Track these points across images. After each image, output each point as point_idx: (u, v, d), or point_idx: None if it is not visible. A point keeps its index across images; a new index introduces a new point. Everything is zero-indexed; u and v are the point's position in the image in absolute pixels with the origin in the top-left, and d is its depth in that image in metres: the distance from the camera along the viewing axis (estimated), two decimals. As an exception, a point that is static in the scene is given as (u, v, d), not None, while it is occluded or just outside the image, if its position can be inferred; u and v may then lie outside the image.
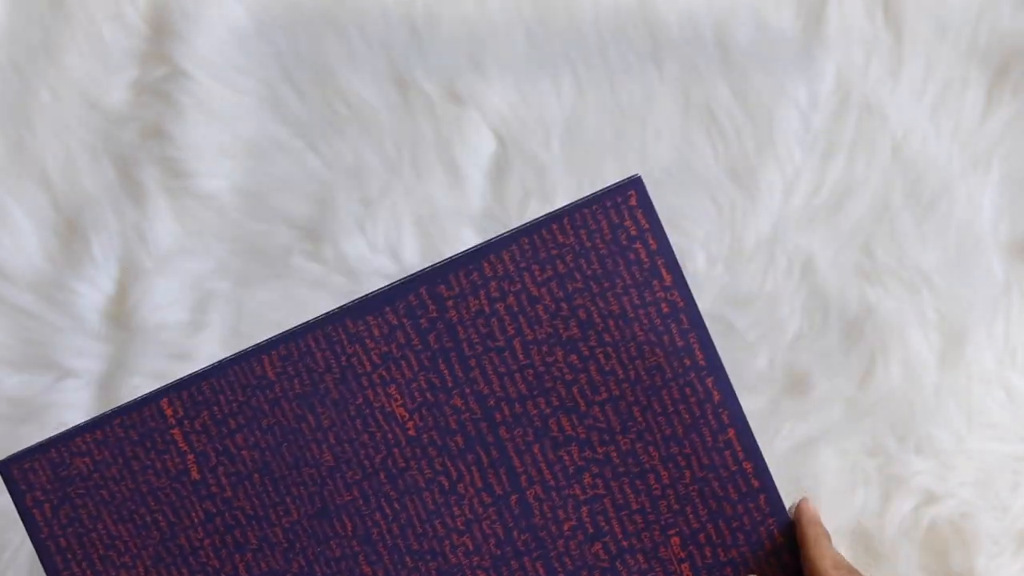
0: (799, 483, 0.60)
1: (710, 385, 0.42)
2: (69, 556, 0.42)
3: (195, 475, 0.42)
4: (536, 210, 0.62)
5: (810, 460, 0.60)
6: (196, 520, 0.42)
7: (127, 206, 0.63)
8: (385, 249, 0.62)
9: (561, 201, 0.62)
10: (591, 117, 0.62)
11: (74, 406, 0.61)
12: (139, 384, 0.61)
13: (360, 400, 0.42)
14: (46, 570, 0.42)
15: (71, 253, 0.63)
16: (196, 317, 0.62)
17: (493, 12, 0.63)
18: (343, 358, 0.41)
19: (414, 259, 0.62)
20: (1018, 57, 0.62)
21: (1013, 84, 0.62)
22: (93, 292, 0.62)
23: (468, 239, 0.62)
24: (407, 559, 0.42)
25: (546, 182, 0.62)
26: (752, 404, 0.61)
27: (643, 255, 0.41)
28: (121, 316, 0.62)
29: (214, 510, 0.42)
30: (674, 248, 0.62)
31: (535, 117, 0.62)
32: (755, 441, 0.42)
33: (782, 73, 0.62)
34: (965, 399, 0.61)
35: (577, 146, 0.62)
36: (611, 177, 0.62)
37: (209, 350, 0.61)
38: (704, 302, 0.61)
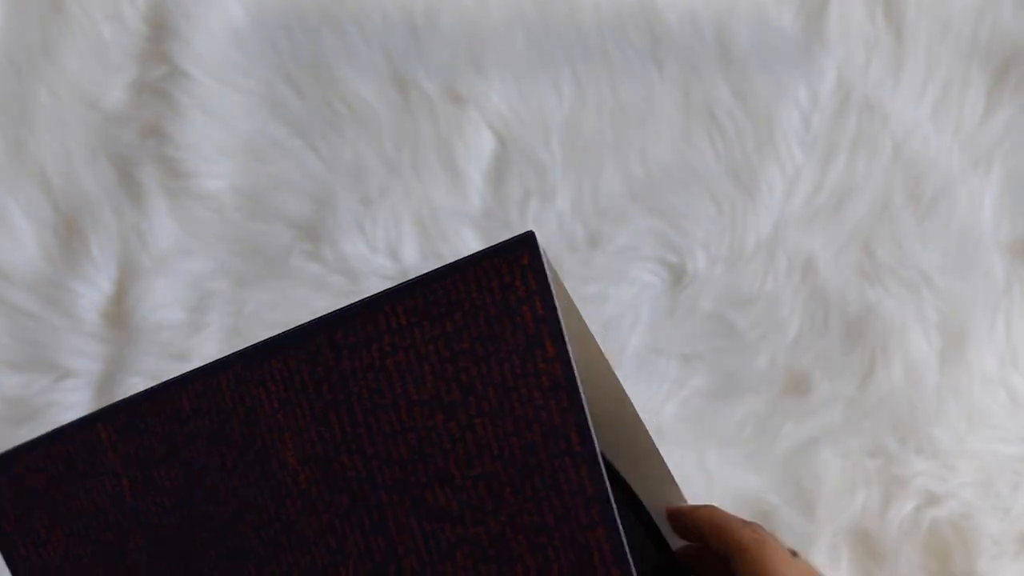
0: (800, 484, 0.60)
1: (584, 475, 0.37)
2: (27, 567, 0.42)
3: (128, 498, 0.41)
4: (536, 210, 0.62)
5: (811, 461, 0.60)
6: (140, 543, 0.42)
7: (126, 206, 0.62)
8: (385, 249, 0.62)
9: (560, 199, 0.62)
10: (591, 117, 0.62)
11: (73, 406, 0.61)
12: (138, 384, 0.61)
13: (259, 445, 0.40)
14: None
15: (70, 253, 0.62)
16: (195, 317, 0.62)
17: (493, 12, 0.63)
18: (248, 399, 0.40)
19: (414, 259, 0.62)
20: (1019, 57, 0.62)
21: (1013, 84, 0.62)
22: (92, 292, 0.62)
23: (468, 239, 0.62)
24: None
25: (546, 182, 0.62)
26: (752, 405, 0.61)
27: (528, 319, 0.37)
28: (120, 316, 0.62)
29: (151, 534, 0.41)
30: (674, 248, 0.62)
31: (535, 117, 0.62)
32: (625, 547, 0.37)
33: (783, 73, 0.62)
34: (966, 399, 0.60)
35: (577, 146, 0.62)
36: (612, 176, 0.62)
37: (208, 350, 0.61)
38: (704, 302, 0.61)
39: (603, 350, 0.44)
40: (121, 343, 0.62)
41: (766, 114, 0.62)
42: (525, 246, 0.37)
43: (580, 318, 0.42)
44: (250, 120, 0.63)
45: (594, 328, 0.61)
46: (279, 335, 0.39)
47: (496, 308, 0.38)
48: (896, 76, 0.62)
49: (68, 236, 0.63)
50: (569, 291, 0.62)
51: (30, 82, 0.63)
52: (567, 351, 0.37)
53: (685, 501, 0.48)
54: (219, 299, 0.62)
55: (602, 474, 0.38)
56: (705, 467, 0.60)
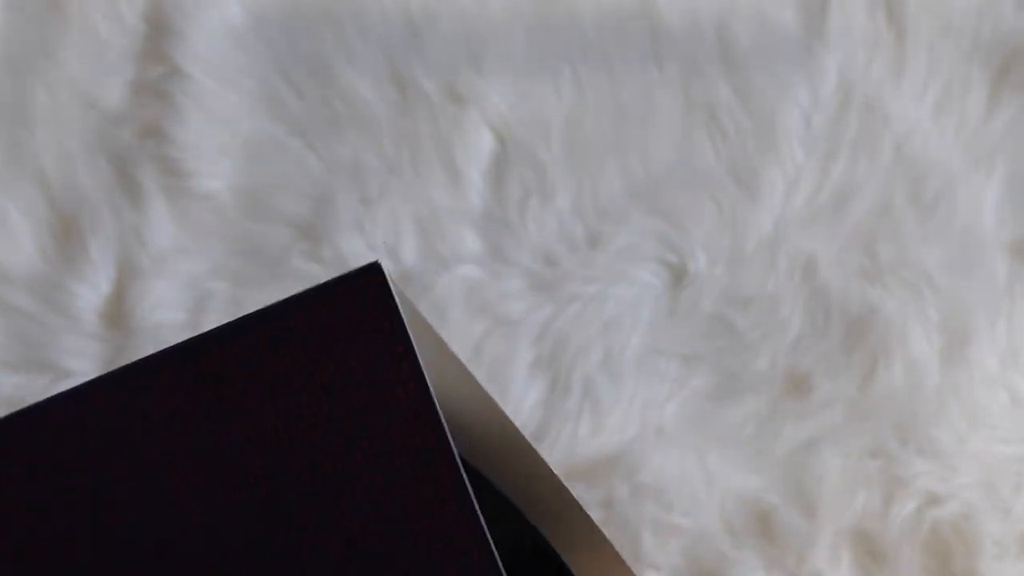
0: (800, 484, 0.60)
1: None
2: None
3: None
4: (536, 210, 0.62)
5: (811, 462, 0.60)
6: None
7: (124, 206, 0.62)
8: (384, 249, 0.62)
9: (560, 199, 0.62)
10: (591, 116, 0.62)
11: (71, 407, 0.61)
12: (137, 385, 0.61)
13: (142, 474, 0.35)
14: None
15: (68, 253, 0.62)
16: (194, 318, 0.61)
17: (493, 10, 0.63)
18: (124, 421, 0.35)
19: (413, 259, 0.62)
20: (1021, 57, 0.62)
21: (1016, 84, 0.62)
22: (90, 292, 0.62)
23: (468, 239, 0.62)
24: None
25: (546, 182, 0.62)
26: (753, 405, 0.61)
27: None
28: (119, 316, 0.62)
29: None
30: (675, 248, 0.62)
31: (535, 116, 0.62)
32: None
33: (784, 72, 0.62)
34: (967, 400, 0.60)
35: (577, 146, 0.62)
36: (611, 177, 0.62)
37: (207, 351, 0.61)
38: (705, 302, 0.61)
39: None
40: (120, 343, 0.61)
41: (767, 114, 0.62)
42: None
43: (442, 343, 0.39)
44: (249, 120, 0.63)
45: (594, 328, 0.61)
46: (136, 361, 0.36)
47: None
48: (897, 76, 0.62)
49: (66, 236, 0.62)
50: (569, 291, 0.62)
51: (28, 81, 0.63)
52: (425, 382, 0.34)
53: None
54: (218, 299, 0.62)
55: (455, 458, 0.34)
56: (705, 467, 0.60)
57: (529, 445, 0.43)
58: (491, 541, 0.33)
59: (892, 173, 0.62)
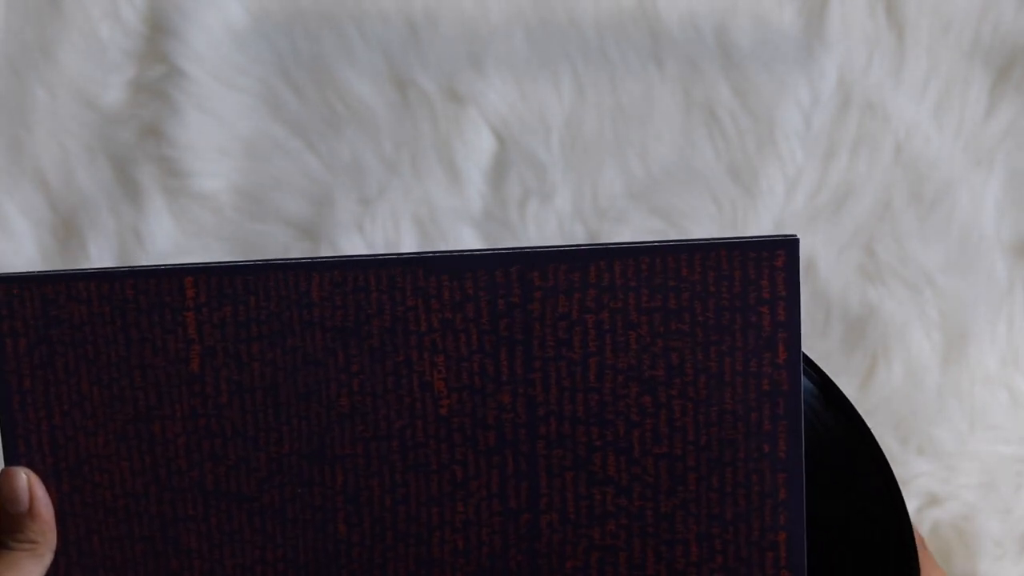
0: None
1: (780, 481, 0.37)
2: (29, 400, 0.38)
3: (194, 367, 0.38)
4: (536, 210, 0.62)
5: (812, 462, 0.60)
6: (178, 413, 0.38)
7: (124, 206, 0.62)
8: (384, 249, 0.62)
9: (560, 199, 0.62)
10: (591, 116, 0.62)
11: (71, 407, 0.61)
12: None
13: (401, 358, 0.38)
14: (0, 407, 0.38)
15: (68, 253, 0.62)
16: (194, 317, 0.62)
17: (492, 11, 0.63)
18: (400, 308, 0.37)
19: (413, 259, 0.62)
20: (1021, 56, 0.62)
21: (1016, 83, 0.62)
22: (90, 292, 0.62)
23: (467, 239, 0.62)
24: (388, 534, 0.38)
25: (546, 182, 0.62)
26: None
27: (766, 322, 0.37)
28: (118, 316, 0.62)
29: (201, 411, 0.38)
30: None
31: (535, 116, 0.62)
32: (804, 555, 0.38)
33: (783, 72, 0.62)
34: (968, 400, 0.60)
35: (577, 146, 0.62)
36: (612, 176, 0.62)
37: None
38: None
39: None
40: (119, 343, 0.61)
41: (767, 113, 0.62)
42: (783, 247, 0.36)
43: None
44: (249, 120, 0.63)
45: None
46: (455, 253, 0.37)
47: (730, 300, 0.37)
48: (897, 75, 0.62)
49: (66, 236, 0.62)
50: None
51: (28, 81, 0.63)
52: (799, 361, 0.37)
53: None
54: (218, 299, 0.62)
55: (802, 484, 0.37)
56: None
57: None
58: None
59: (892, 173, 0.62)
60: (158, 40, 0.63)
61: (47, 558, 0.39)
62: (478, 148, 0.62)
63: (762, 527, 0.38)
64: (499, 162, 0.62)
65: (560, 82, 0.63)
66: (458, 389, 0.38)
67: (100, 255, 0.62)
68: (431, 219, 0.62)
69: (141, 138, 0.63)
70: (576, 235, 0.62)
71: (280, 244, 0.62)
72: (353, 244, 0.62)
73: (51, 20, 0.63)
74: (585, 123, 0.62)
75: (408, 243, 0.62)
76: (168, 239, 0.62)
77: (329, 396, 0.38)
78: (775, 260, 0.36)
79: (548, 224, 0.62)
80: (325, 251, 0.62)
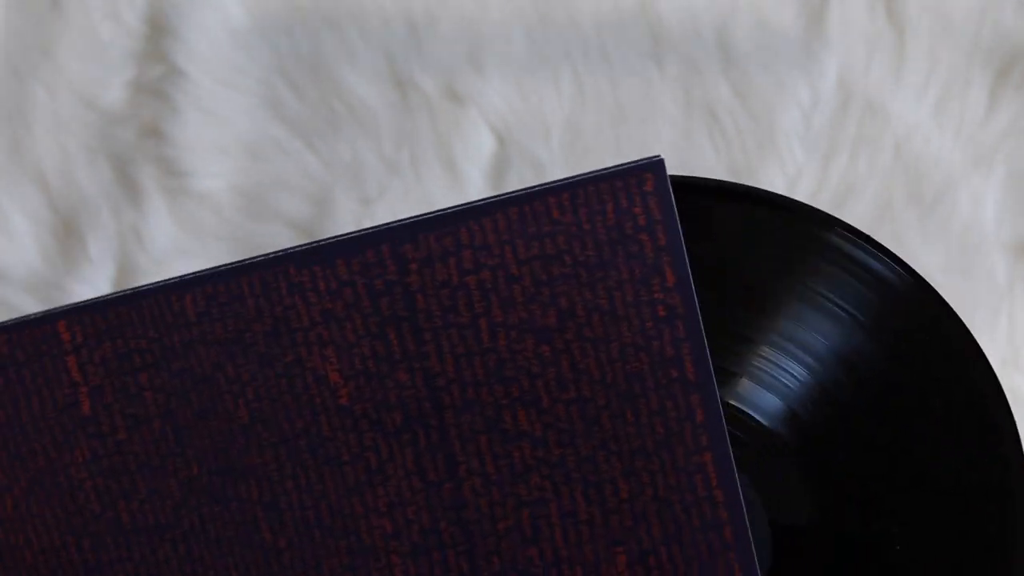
0: (801, 485, 0.60)
1: (695, 403, 0.37)
2: None
3: (86, 410, 0.37)
4: (536, 210, 0.62)
5: (812, 462, 0.60)
6: (80, 459, 0.37)
7: (124, 206, 0.62)
8: (384, 249, 0.62)
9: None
10: (591, 116, 0.62)
11: (70, 407, 0.61)
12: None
13: (290, 358, 0.37)
14: None
15: (68, 253, 0.62)
16: (193, 317, 0.62)
17: (492, 10, 0.63)
18: (278, 308, 0.36)
19: (413, 259, 0.62)
20: (1021, 56, 0.62)
21: (1016, 83, 0.62)
22: (90, 292, 0.62)
23: (467, 239, 0.62)
24: (316, 532, 0.38)
25: (546, 182, 0.62)
26: (753, 405, 0.61)
27: (648, 249, 0.36)
28: (118, 316, 0.62)
29: (103, 451, 0.37)
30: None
31: (535, 116, 0.62)
32: (733, 471, 0.37)
33: (783, 72, 0.62)
34: (968, 400, 0.60)
35: (577, 145, 0.62)
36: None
37: (206, 351, 0.61)
38: (705, 302, 0.61)
39: None
40: (119, 343, 0.61)
41: (767, 113, 0.62)
42: (650, 170, 0.35)
43: None
44: (249, 120, 0.63)
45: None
46: (321, 242, 0.36)
47: (607, 234, 0.36)
48: (897, 75, 0.62)
49: (66, 236, 0.62)
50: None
51: (28, 81, 0.63)
52: (689, 281, 0.36)
53: None
54: (217, 299, 0.62)
55: (716, 401, 0.36)
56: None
57: None
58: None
59: (892, 172, 0.62)
60: (158, 40, 0.63)
61: None
62: (478, 148, 0.62)
63: (685, 452, 0.37)
64: (499, 162, 0.62)
65: (560, 82, 0.63)
66: (354, 376, 0.37)
67: (100, 255, 0.62)
68: (431, 219, 0.62)
69: (141, 138, 0.63)
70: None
71: (280, 244, 0.62)
72: (353, 244, 0.62)
73: (51, 20, 0.63)
74: (585, 122, 0.62)
75: (408, 243, 0.62)
76: (168, 239, 0.62)
77: (226, 410, 0.37)
78: (644, 184, 0.36)
79: (548, 224, 0.62)
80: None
